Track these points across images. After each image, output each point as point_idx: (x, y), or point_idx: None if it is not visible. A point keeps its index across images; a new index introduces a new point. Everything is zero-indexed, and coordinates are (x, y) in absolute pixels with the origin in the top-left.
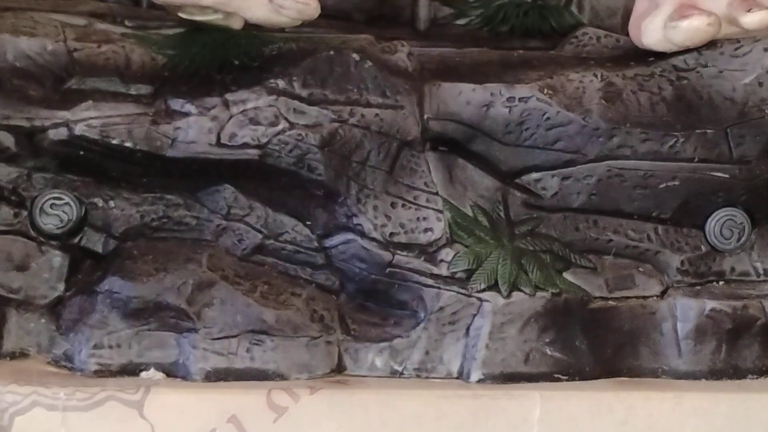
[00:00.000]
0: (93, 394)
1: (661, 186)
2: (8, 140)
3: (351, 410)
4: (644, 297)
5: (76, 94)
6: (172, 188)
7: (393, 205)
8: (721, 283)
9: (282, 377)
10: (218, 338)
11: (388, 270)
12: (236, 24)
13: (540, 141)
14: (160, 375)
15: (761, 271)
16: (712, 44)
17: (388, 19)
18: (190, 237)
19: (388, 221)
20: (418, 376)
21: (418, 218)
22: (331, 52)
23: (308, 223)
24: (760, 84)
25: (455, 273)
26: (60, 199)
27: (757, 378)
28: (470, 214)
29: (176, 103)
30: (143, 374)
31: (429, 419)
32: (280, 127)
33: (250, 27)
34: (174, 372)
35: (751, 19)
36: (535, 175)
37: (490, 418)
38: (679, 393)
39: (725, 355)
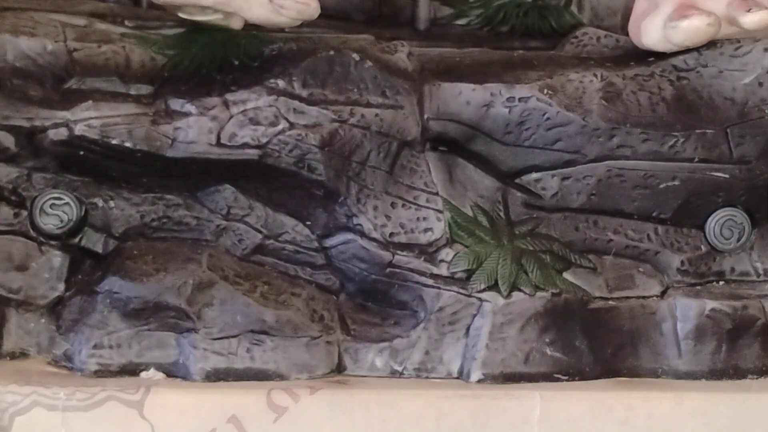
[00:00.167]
0: (93, 394)
1: (661, 186)
2: (8, 140)
3: (351, 410)
4: (644, 297)
5: (76, 94)
6: (172, 188)
7: (393, 205)
8: (721, 283)
9: (282, 377)
10: (218, 338)
11: (388, 270)
12: (236, 24)
13: (540, 141)
14: (160, 375)
15: (761, 271)
16: (712, 44)
17: (388, 19)
18: (190, 237)
19: (388, 221)
20: (418, 376)
21: (418, 218)
22: (331, 52)
23: (308, 223)
24: (760, 84)
25: (455, 273)
26: (60, 199)
27: (757, 378)
28: (470, 214)
29: (176, 103)
30: (143, 374)
31: (429, 419)
32: (280, 127)
33: (250, 27)
34: (174, 372)
35: (751, 19)
36: (535, 175)
37: (490, 418)
38: (679, 393)
39: (725, 355)
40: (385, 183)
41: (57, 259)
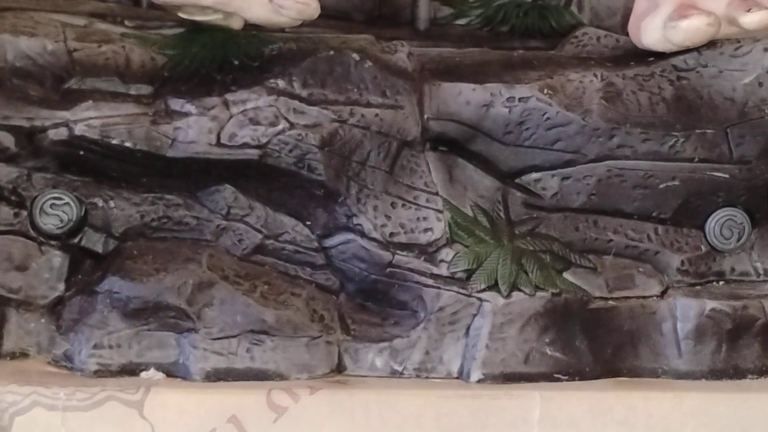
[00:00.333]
0: (93, 394)
1: (661, 186)
2: (8, 140)
3: (351, 410)
4: (644, 297)
5: (76, 94)
6: (172, 188)
7: (393, 205)
8: (721, 283)
9: (282, 377)
10: (218, 338)
11: (388, 270)
12: (236, 24)
13: (540, 141)
14: (160, 375)
15: (761, 271)
16: (712, 44)
17: (388, 19)
18: (190, 237)
19: (388, 221)
20: (418, 376)
21: (418, 218)
22: (331, 52)
23: (308, 223)
24: (760, 84)
25: (455, 273)
26: (60, 199)
27: (757, 378)
28: (470, 214)
29: (176, 103)
30: (143, 374)
31: (429, 419)
32: (280, 127)
33: (250, 27)
34: (174, 372)
35: (750, 19)
36: (535, 175)
37: (490, 418)
38: (679, 393)
39: (725, 355)
40: (385, 183)
41: (57, 259)
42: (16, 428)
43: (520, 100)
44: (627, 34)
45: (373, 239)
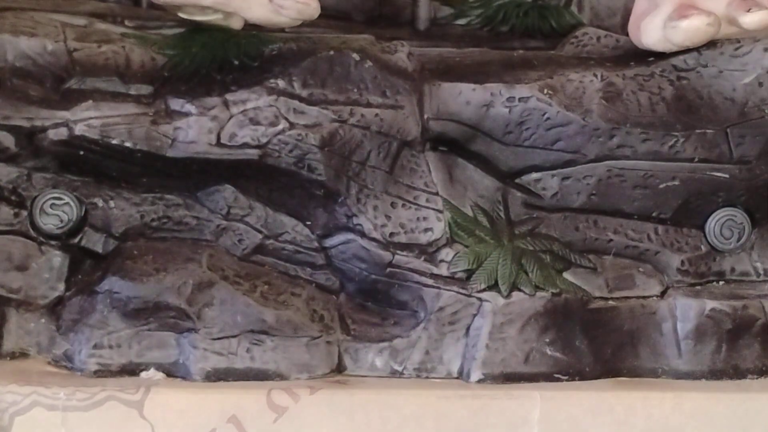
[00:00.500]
0: (93, 394)
1: (661, 186)
2: (8, 140)
3: (351, 410)
4: (644, 297)
5: (76, 94)
6: (172, 188)
7: (393, 205)
8: (721, 283)
9: (282, 377)
10: (218, 338)
11: (388, 270)
12: (236, 24)
13: (540, 141)
14: (160, 375)
15: (761, 271)
16: (712, 44)
17: (388, 19)
18: (190, 237)
19: (388, 221)
20: (418, 376)
21: (418, 218)
22: (331, 52)
23: (308, 223)
24: (760, 84)
25: (455, 273)
26: (60, 199)
27: (757, 378)
28: (470, 214)
29: (176, 103)
30: (143, 374)
31: (429, 419)
32: (280, 127)
33: (250, 27)
34: (174, 372)
35: (750, 19)
36: (535, 175)
37: (490, 418)
38: (679, 393)
39: (725, 355)
40: (385, 183)
41: (57, 259)
42: (16, 428)
43: (520, 100)
44: (627, 34)
45: (373, 239)
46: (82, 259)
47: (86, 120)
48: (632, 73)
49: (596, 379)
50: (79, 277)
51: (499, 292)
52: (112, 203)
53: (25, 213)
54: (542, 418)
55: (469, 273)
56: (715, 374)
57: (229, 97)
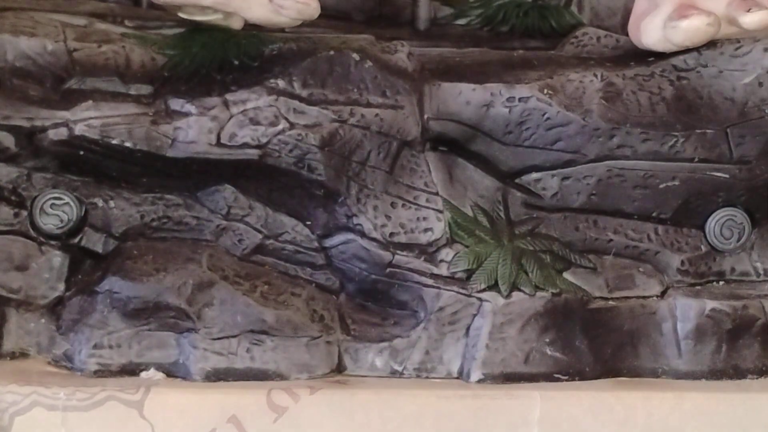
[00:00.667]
0: (93, 394)
1: (661, 186)
2: (8, 140)
3: (351, 410)
4: (644, 297)
5: (76, 94)
6: (172, 188)
7: (393, 205)
8: (721, 283)
9: (282, 377)
10: (218, 338)
11: (388, 270)
12: (236, 24)
13: (540, 141)
14: (160, 375)
15: (761, 271)
16: (712, 44)
17: (388, 19)
18: (190, 237)
19: (388, 221)
20: (418, 376)
21: (418, 218)
22: (331, 52)
23: (308, 223)
24: (760, 84)
25: (455, 273)
26: (60, 199)
27: (757, 378)
28: (470, 214)
29: (176, 103)
30: (143, 374)
31: (429, 419)
32: (280, 127)
33: (250, 27)
34: (174, 372)
35: (750, 19)
36: (535, 175)
37: (490, 418)
38: (679, 393)
39: (725, 355)
40: (385, 183)
41: (57, 259)
42: (16, 428)
43: (520, 100)
44: (627, 34)
45: (373, 239)
46: (82, 259)
47: (86, 120)
48: (632, 73)
49: (596, 379)
50: (79, 277)
51: (499, 292)
52: (112, 203)
53: (25, 213)
54: (542, 418)
55: (469, 273)
56: (715, 374)
57: (229, 97)
